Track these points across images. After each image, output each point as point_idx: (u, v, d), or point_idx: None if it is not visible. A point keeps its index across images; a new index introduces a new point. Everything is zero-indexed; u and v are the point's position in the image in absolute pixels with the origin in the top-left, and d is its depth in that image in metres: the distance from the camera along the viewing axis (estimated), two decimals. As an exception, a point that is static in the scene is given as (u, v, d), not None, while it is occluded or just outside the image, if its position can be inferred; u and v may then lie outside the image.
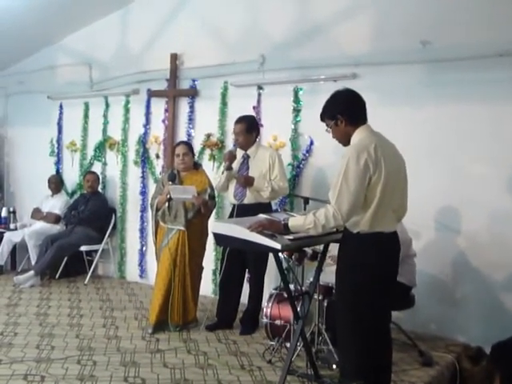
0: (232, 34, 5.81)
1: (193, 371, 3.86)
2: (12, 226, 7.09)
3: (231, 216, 4.76)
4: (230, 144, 5.74)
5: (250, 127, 4.77)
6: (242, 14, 5.74)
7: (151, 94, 6.43)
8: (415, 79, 4.77)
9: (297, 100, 5.39)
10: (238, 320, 4.88)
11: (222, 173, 4.77)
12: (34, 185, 7.39)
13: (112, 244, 6.78)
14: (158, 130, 6.43)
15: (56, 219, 6.84)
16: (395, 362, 3.57)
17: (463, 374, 4.10)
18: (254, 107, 5.63)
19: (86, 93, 6.98)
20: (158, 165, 6.43)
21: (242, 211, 4.56)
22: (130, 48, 6.61)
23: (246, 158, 4.80)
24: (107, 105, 6.87)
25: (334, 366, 3.84)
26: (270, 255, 4.01)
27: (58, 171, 7.36)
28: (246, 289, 4.90)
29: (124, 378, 3.70)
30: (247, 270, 4.88)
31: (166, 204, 4.71)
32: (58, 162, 7.38)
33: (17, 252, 7.02)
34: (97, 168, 6.95)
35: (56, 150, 7.39)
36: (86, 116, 7.08)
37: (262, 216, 3.30)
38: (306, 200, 4.69)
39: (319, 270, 3.60)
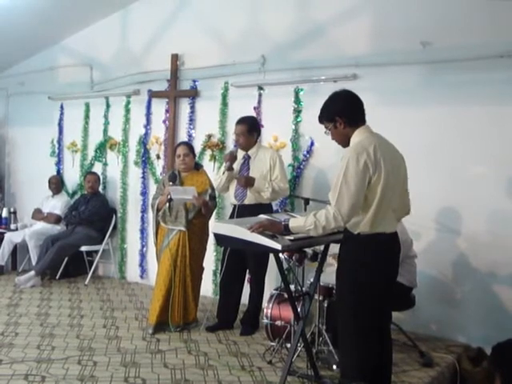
0: (232, 35, 5.81)
1: (193, 372, 3.86)
2: (13, 226, 7.09)
3: (232, 216, 4.76)
4: (230, 145, 5.74)
5: (250, 128, 4.77)
6: (242, 15, 5.75)
7: (152, 94, 6.44)
8: (415, 80, 4.77)
9: (297, 101, 5.39)
10: (239, 320, 4.88)
11: (223, 173, 4.77)
12: (35, 185, 7.40)
13: (112, 244, 6.79)
14: (158, 131, 6.43)
15: (56, 220, 6.85)
16: (395, 362, 3.58)
17: (463, 375, 4.10)
18: (254, 108, 5.64)
19: (86, 93, 6.99)
20: (159, 165, 6.43)
21: (242, 212, 4.56)
22: (130, 49, 6.62)
23: (247, 158, 4.80)
24: (108, 105, 6.88)
25: (335, 367, 3.85)
26: (271, 256, 4.01)
27: (58, 172, 7.37)
28: (246, 289, 4.91)
29: (124, 378, 3.70)
30: (248, 270, 4.88)
31: (167, 205, 4.72)
32: (59, 163, 7.39)
33: (17, 252, 7.03)
34: (97, 168, 6.96)
35: (57, 151, 7.39)
36: (87, 116, 7.08)
37: (262, 216, 3.30)
38: (307, 201, 4.70)
39: (320, 271, 3.61)
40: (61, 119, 7.35)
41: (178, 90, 6.25)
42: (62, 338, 4.46)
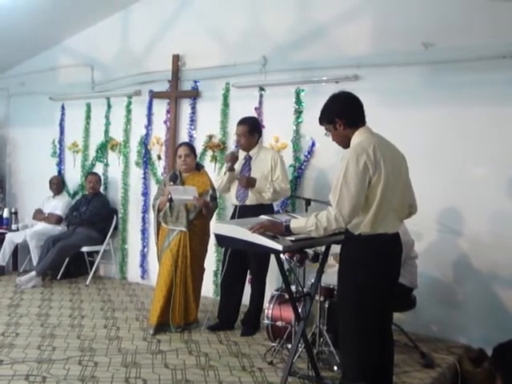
0: (234, 36, 5.82)
1: (194, 372, 3.86)
2: (14, 226, 7.09)
3: (233, 217, 4.76)
4: (231, 145, 5.74)
5: (252, 129, 4.77)
6: (243, 16, 5.75)
7: (153, 95, 6.44)
8: (417, 81, 4.77)
9: (298, 101, 5.39)
10: (240, 321, 4.88)
11: (224, 174, 4.77)
12: (36, 186, 7.40)
13: (113, 245, 6.79)
14: (159, 131, 6.43)
15: (58, 220, 6.85)
16: (397, 363, 3.57)
17: (464, 376, 4.09)
18: (255, 108, 5.64)
19: (87, 94, 7.00)
20: (160, 166, 6.43)
21: (243, 212, 4.56)
22: (131, 49, 6.62)
23: (248, 159, 4.80)
24: (109, 106, 6.88)
25: (336, 368, 3.85)
26: (272, 256, 4.01)
27: (59, 172, 7.37)
28: (247, 290, 4.91)
29: (125, 378, 3.70)
30: (249, 271, 4.88)
31: (168, 205, 4.71)
32: (60, 163, 7.39)
33: (18, 253, 7.04)
34: (98, 169, 6.96)
35: (58, 151, 7.40)
36: (88, 117, 7.09)
37: (263, 217, 3.31)
38: (308, 201, 4.69)
39: (321, 272, 3.61)
40: (62, 120, 7.35)
41: (179, 91, 6.25)
42: (62, 339, 4.47)
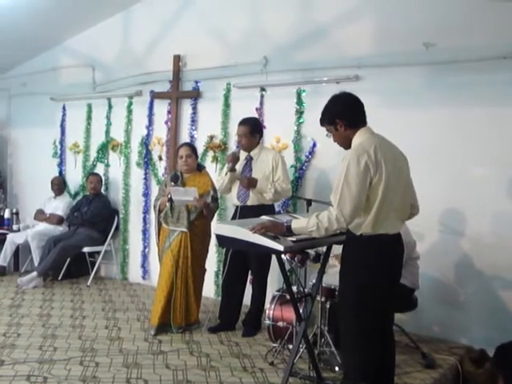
0: (235, 36, 5.82)
1: (195, 373, 3.86)
2: (15, 227, 7.09)
3: (234, 218, 4.76)
4: (232, 146, 5.74)
5: (253, 129, 4.77)
6: (244, 16, 5.75)
7: (154, 95, 6.44)
8: (418, 81, 4.77)
9: (299, 102, 5.39)
10: (241, 322, 4.88)
11: (225, 174, 4.77)
12: (37, 186, 7.39)
13: (114, 245, 6.79)
14: (160, 132, 6.43)
15: (59, 220, 6.85)
16: (398, 364, 3.57)
17: (466, 377, 4.09)
18: (256, 109, 5.64)
19: (88, 94, 7.00)
20: (161, 166, 6.43)
21: (244, 213, 4.57)
22: (132, 50, 6.62)
23: (249, 159, 4.80)
24: (110, 106, 6.88)
25: (337, 368, 3.85)
26: (273, 257, 4.01)
27: (60, 173, 7.38)
28: (248, 290, 4.91)
29: (126, 379, 3.70)
30: (250, 271, 4.88)
31: (169, 205, 4.71)
32: (61, 164, 7.39)
33: (20, 253, 7.04)
34: (100, 169, 6.96)
35: (59, 152, 7.40)
36: (89, 117, 7.09)
37: (264, 218, 3.31)
38: (309, 202, 4.69)
39: (322, 272, 3.61)
40: (63, 120, 7.35)
41: (180, 91, 6.25)
42: (64, 339, 4.47)
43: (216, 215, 5.13)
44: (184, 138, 6.20)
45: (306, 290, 3.91)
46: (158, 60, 6.31)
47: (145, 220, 6.58)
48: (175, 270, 4.65)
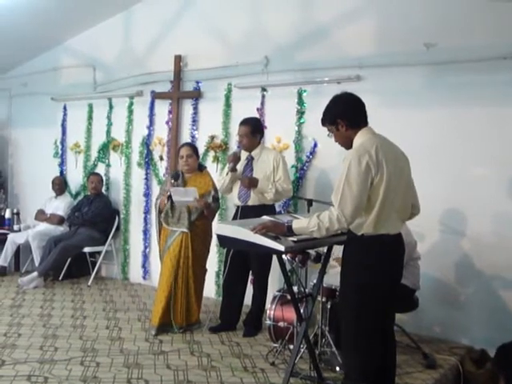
0: (236, 36, 5.82)
1: (196, 373, 3.86)
2: (16, 227, 7.09)
3: (235, 218, 4.76)
4: (233, 146, 5.74)
5: (254, 129, 4.77)
6: (245, 16, 5.75)
7: (155, 95, 6.44)
8: (419, 81, 4.77)
9: (301, 102, 5.39)
10: (242, 322, 4.88)
11: (226, 174, 4.77)
12: (38, 186, 7.40)
13: (115, 245, 6.79)
14: (161, 132, 6.44)
15: (60, 220, 6.86)
16: (399, 364, 3.57)
17: (467, 377, 4.09)
18: (257, 109, 5.64)
19: (89, 94, 7.00)
20: (162, 166, 6.43)
21: (245, 213, 4.57)
22: (133, 50, 6.63)
23: (250, 159, 4.80)
24: (111, 106, 6.89)
25: (338, 368, 3.85)
26: (274, 257, 4.01)
27: (61, 173, 7.38)
28: (249, 291, 4.91)
29: (127, 379, 3.70)
30: (251, 271, 4.88)
31: (169, 204, 4.71)
32: (62, 164, 7.40)
33: (20, 253, 7.05)
34: (100, 169, 6.96)
35: (60, 152, 7.41)
36: (90, 117, 7.09)
37: (265, 218, 3.30)
38: (310, 202, 4.69)
39: (323, 272, 3.61)
40: (64, 120, 7.36)
41: (181, 91, 6.26)
42: (64, 339, 4.47)
43: (217, 215, 5.14)
44: (185, 138, 6.20)
45: (306, 290, 3.91)
46: (159, 60, 6.32)
47: (146, 220, 6.59)
48: (176, 270, 4.65)
